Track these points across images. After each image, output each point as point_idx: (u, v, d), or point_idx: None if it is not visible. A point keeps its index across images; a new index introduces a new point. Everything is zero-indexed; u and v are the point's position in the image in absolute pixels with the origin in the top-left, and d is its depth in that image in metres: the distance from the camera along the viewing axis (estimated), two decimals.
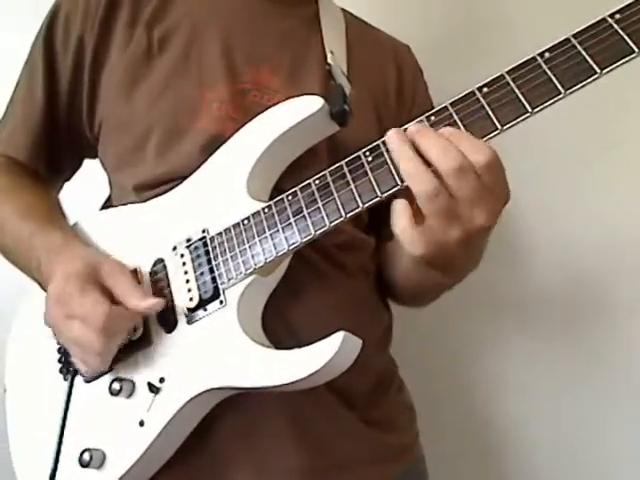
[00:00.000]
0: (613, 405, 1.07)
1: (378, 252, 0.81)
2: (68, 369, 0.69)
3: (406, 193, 0.55)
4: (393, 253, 0.77)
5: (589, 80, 0.53)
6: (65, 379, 0.69)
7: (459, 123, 0.56)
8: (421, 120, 0.58)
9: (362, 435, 0.71)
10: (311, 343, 0.59)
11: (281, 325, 0.66)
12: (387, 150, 0.59)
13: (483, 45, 1.13)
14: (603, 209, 1.08)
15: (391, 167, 0.58)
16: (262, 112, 0.68)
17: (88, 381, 0.67)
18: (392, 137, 0.55)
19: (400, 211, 0.54)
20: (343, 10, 0.85)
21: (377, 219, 0.77)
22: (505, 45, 1.11)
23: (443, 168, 0.51)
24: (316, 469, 0.66)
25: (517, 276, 1.12)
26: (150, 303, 0.61)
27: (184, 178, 0.70)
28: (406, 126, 0.57)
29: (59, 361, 0.70)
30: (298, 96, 0.67)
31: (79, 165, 0.86)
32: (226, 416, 0.65)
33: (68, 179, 0.87)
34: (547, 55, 0.55)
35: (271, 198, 0.67)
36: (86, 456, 0.62)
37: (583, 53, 0.53)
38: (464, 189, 0.52)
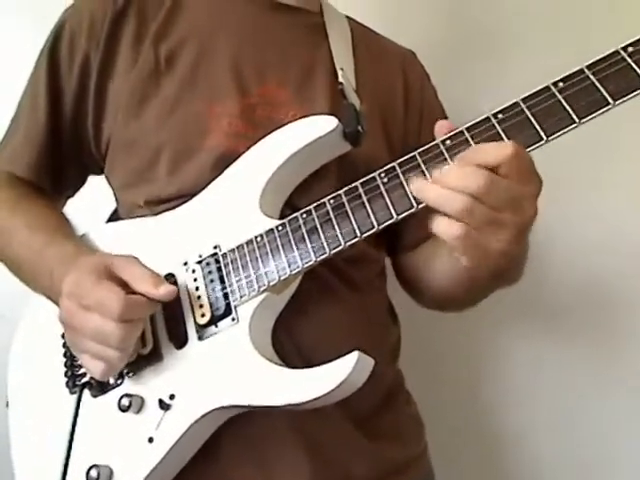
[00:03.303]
0: (622, 408, 1.08)
1: (401, 262, 0.82)
2: (75, 383, 0.69)
3: None
4: (427, 259, 0.78)
5: (602, 110, 0.54)
6: (72, 393, 0.68)
7: None
8: (437, 144, 0.59)
9: (369, 449, 0.71)
10: (320, 361, 0.59)
11: (289, 342, 0.66)
12: (403, 172, 0.60)
13: (484, 52, 1.14)
14: (609, 211, 1.09)
15: (407, 189, 0.59)
16: (272, 127, 0.69)
17: (95, 396, 0.67)
18: (414, 188, 0.55)
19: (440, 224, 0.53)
20: (347, 17, 0.85)
21: (393, 230, 0.77)
22: (505, 52, 1.13)
23: (468, 189, 0.51)
24: None
25: (524, 280, 1.13)
26: (166, 289, 0.60)
27: (195, 195, 0.70)
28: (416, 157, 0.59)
29: (65, 375, 0.70)
30: (311, 112, 0.68)
31: (83, 182, 0.85)
32: (233, 430, 0.65)
33: (72, 196, 0.87)
34: (561, 85, 0.56)
35: (282, 214, 0.68)
36: (93, 473, 0.61)
37: (597, 84, 0.55)
38: (497, 197, 0.52)
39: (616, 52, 0.55)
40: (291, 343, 0.66)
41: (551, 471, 1.11)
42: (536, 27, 1.11)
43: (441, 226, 0.52)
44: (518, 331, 1.14)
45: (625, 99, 0.54)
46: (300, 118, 0.69)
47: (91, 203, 0.87)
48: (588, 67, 0.55)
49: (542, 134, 0.55)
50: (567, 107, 0.55)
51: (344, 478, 0.68)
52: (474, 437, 1.14)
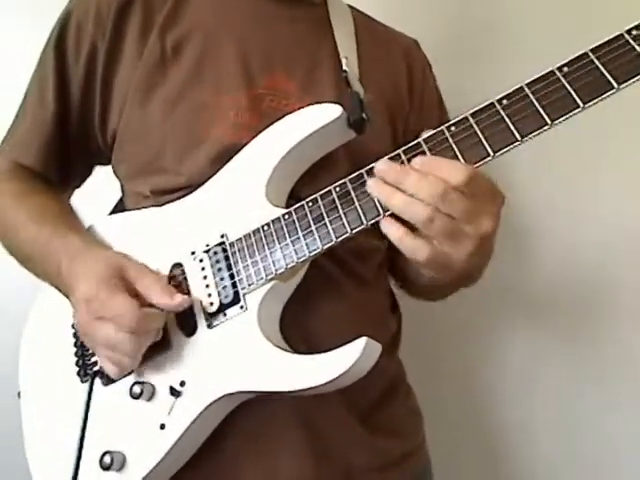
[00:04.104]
0: (622, 402, 1.09)
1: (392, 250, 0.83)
2: (86, 371, 0.70)
3: None
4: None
5: (607, 94, 0.54)
6: (83, 381, 0.69)
7: (480, 134, 0.58)
8: (441, 130, 0.59)
9: (369, 441, 0.72)
10: (325, 350, 0.60)
11: (295, 332, 0.67)
12: (408, 159, 0.60)
13: (485, 45, 1.14)
14: (609, 209, 1.09)
15: None
16: (279, 118, 0.69)
17: (106, 384, 0.68)
18: (370, 185, 0.58)
19: (388, 227, 0.56)
20: (350, 7, 0.86)
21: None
22: (507, 45, 1.13)
23: (426, 197, 0.54)
24: (324, 476, 0.67)
25: (523, 279, 1.13)
26: (179, 300, 0.62)
27: (201, 185, 0.70)
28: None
29: (76, 364, 0.71)
30: (317, 103, 0.68)
31: (90, 172, 0.86)
32: (237, 419, 0.66)
33: (78, 186, 0.87)
34: (565, 69, 0.56)
35: (287, 203, 0.68)
36: (107, 459, 0.63)
37: (601, 68, 0.55)
38: (456, 209, 0.54)
39: (621, 35, 0.55)
40: (299, 335, 0.67)
41: (550, 465, 1.12)
42: (539, 24, 1.11)
43: (404, 242, 0.55)
44: (517, 325, 1.15)
45: (629, 83, 0.54)
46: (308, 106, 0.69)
47: (96, 194, 0.88)
48: (592, 51, 0.56)
49: (547, 119, 0.55)
50: (571, 91, 0.55)
51: (345, 469, 0.69)
52: (472, 431, 1.14)
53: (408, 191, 0.55)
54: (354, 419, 0.71)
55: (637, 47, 0.54)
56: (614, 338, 1.10)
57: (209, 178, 0.70)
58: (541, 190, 1.12)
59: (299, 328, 0.67)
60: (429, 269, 0.58)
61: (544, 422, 1.12)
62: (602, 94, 0.54)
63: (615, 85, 0.54)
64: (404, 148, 0.61)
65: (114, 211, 0.85)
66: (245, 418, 0.66)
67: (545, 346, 1.12)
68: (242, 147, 0.69)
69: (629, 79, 0.54)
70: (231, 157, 0.70)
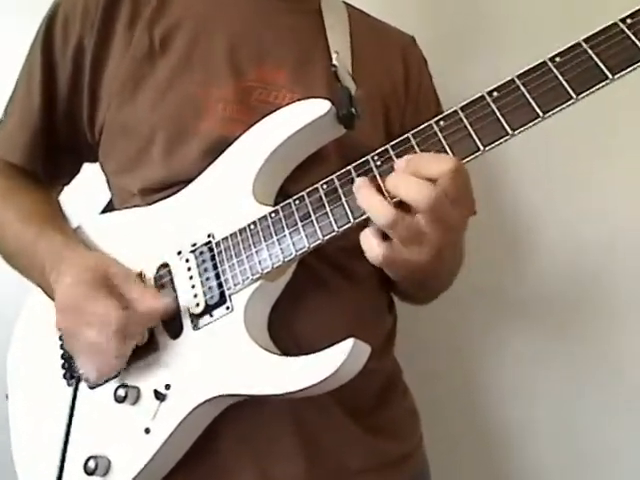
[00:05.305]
0: (619, 406, 1.08)
1: None
2: (72, 374, 0.68)
3: None
4: None
5: (601, 85, 0.52)
6: (69, 385, 0.68)
7: (469, 127, 0.56)
8: (430, 125, 0.58)
9: (365, 443, 0.70)
10: (316, 351, 0.58)
11: (285, 333, 0.65)
12: (396, 154, 0.58)
13: (484, 42, 1.13)
14: (605, 208, 1.08)
15: None
16: (268, 111, 0.67)
17: (92, 387, 0.67)
18: (357, 181, 0.57)
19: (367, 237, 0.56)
20: (346, 3, 0.84)
21: None
22: (506, 42, 1.12)
23: (420, 208, 0.52)
24: (318, 477, 0.66)
25: (520, 277, 1.11)
26: (163, 304, 0.61)
27: (190, 180, 0.69)
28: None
29: (63, 366, 0.70)
30: (307, 97, 0.67)
31: (78, 169, 0.85)
32: (229, 421, 0.64)
33: (67, 183, 0.86)
34: (558, 60, 0.54)
35: (276, 201, 0.67)
36: (91, 464, 0.61)
37: (594, 58, 0.53)
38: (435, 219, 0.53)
39: (614, 24, 0.53)
40: (289, 336, 0.65)
41: (548, 464, 1.10)
42: (538, 20, 1.10)
43: (365, 244, 0.56)
44: (516, 326, 1.13)
45: (624, 73, 0.52)
46: (297, 101, 0.67)
47: (86, 194, 0.87)
48: (585, 40, 0.54)
49: (538, 111, 0.53)
50: (564, 83, 0.53)
51: (338, 469, 0.67)
52: (471, 431, 1.13)
53: (401, 196, 0.53)
54: (349, 419, 0.69)
55: (631, 36, 0.52)
56: (613, 339, 1.08)
57: (199, 172, 0.68)
58: (538, 191, 1.10)
59: (289, 329, 0.66)
60: (388, 270, 0.59)
61: (543, 422, 1.11)
62: (596, 84, 0.52)
63: (609, 75, 0.52)
64: (392, 143, 0.59)
65: (105, 211, 0.84)
66: (237, 419, 0.64)
67: (544, 347, 1.10)
68: (232, 141, 0.68)
69: (623, 69, 0.52)
70: (221, 151, 0.68)
